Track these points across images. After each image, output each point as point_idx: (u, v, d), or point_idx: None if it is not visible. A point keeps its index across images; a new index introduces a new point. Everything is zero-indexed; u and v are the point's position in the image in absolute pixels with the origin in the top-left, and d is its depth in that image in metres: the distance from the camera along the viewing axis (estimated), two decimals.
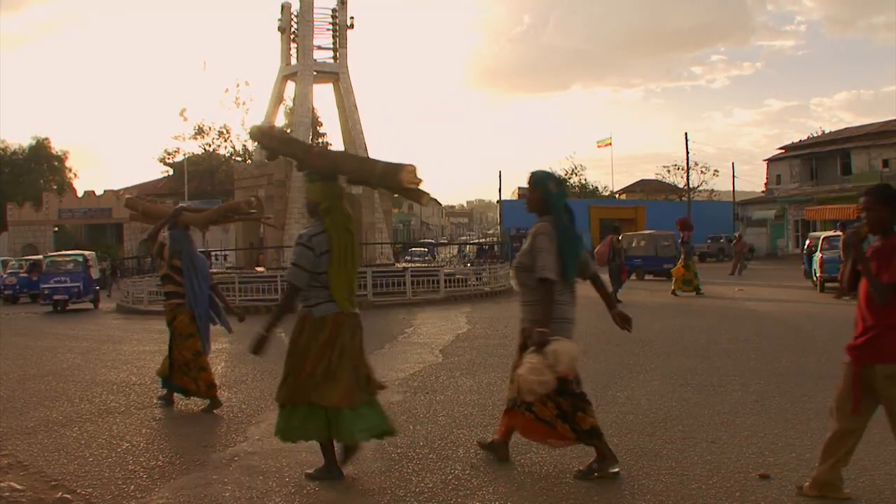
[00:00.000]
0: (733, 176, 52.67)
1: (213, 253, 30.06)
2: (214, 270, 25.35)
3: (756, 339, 10.60)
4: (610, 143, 60.00)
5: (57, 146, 57.99)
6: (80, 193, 47.61)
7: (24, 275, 25.95)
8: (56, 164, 56.28)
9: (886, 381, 3.85)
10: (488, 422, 6.02)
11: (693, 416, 6.08)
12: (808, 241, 25.69)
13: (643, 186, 67.45)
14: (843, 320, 12.92)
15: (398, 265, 24.90)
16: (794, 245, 41.51)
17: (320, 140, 50.61)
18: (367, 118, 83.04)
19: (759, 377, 7.59)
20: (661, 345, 10.18)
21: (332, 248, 4.58)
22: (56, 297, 20.74)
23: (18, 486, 4.66)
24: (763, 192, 51.48)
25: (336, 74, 24.12)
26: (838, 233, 22.15)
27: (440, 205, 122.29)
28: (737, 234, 35.45)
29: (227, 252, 31.55)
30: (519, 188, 69.03)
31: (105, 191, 47.11)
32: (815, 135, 54.03)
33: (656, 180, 65.14)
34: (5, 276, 26.81)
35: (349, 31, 24.17)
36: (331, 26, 24.02)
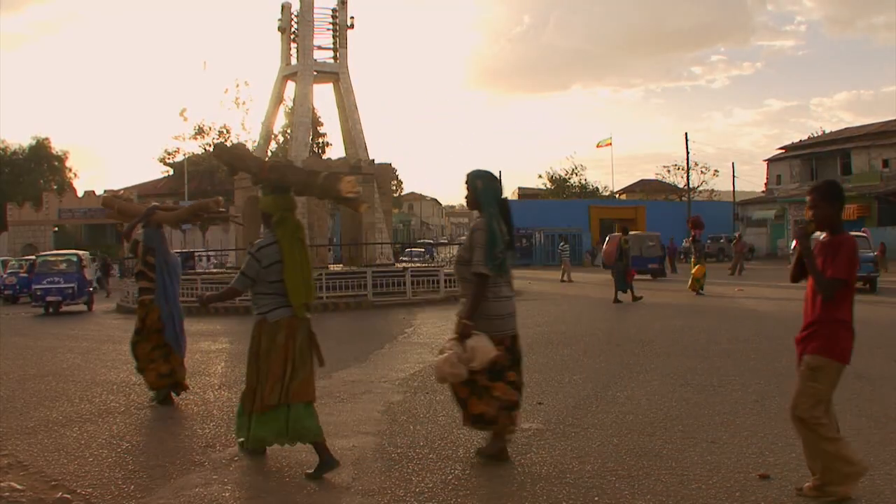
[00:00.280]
0: (733, 176, 52.74)
1: (196, 254, 30.05)
2: (214, 271, 25.39)
3: (756, 339, 10.60)
4: (610, 144, 60.00)
5: (57, 146, 58.06)
6: (80, 193, 47.63)
7: (24, 275, 25.90)
8: (56, 164, 56.31)
9: (808, 371, 4.00)
10: None
11: (693, 416, 6.08)
12: (794, 242, 25.79)
13: (643, 186, 67.48)
14: None
15: (396, 265, 24.90)
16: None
17: (320, 140, 50.67)
18: (367, 118, 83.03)
19: (759, 377, 7.59)
20: (661, 345, 10.18)
21: (284, 257, 4.87)
22: (49, 299, 19.77)
23: (18, 486, 4.66)
24: (763, 192, 51.50)
25: (336, 74, 24.12)
26: None
27: (440, 205, 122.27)
28: (737, 234, 35.48)
29: (210, 253, 31.47)
30: (519, 188, 69.17)
31: (105, 191, 47.03)
32: (816, 135, 54.08)
33: (656, 180, 65.16)
34: (5, 276, 26.82)
35: (349, 31, 24.17)
36: (331, 26, 24.02)
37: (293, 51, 23.99)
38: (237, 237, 25.44)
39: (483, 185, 4.91)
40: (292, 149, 24.14)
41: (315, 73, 23.91)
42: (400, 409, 6.56)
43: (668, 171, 60.68)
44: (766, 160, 51.10)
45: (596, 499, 4.20)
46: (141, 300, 7.32)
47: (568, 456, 4.98)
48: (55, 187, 51.51)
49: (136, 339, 7.25)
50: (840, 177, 43.18)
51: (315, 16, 23.81)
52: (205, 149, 52.90)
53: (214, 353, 10.80)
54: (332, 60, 24.18)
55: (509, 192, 65.85)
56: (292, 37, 23.92)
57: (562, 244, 30.30)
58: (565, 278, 26.60)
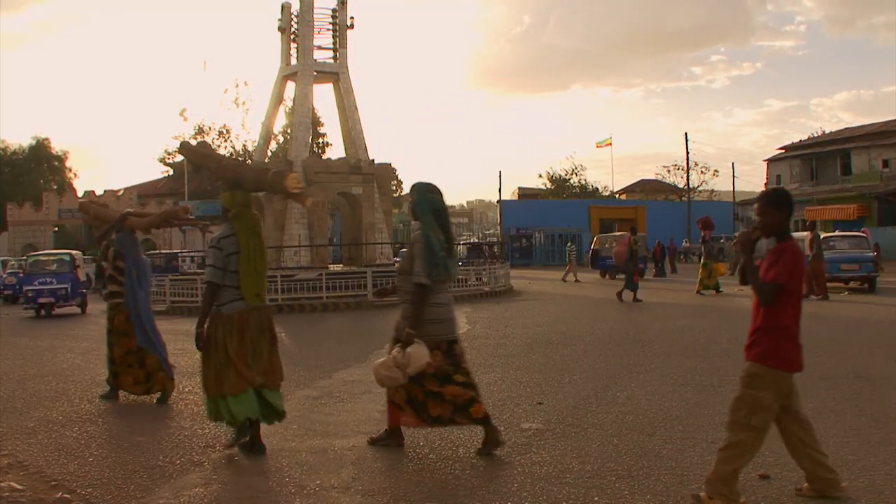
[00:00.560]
0: (733, 176, 52.73)
1: (180, 255, 29.95)
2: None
3: None
4: (610, 144, 60.00)
5: (57, 146, 58.07)
6: (80, 193, 47.61)
7: (24, 275, 25.85)
8: (56, 164, 56.30)
9: (745, 378, 3.99)
10: None
11: (693, 416, 6.08)
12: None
13: (643, 186, 67.46)
14: (843, 320, 12.96)
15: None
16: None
17: (320, 140, 50.67)
18: (367, 118, 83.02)
19: None
20: (661, 345, 10.18)
21: (240, 249, 5.16)
22: (41, 300, 18.63)
23: (18, 486, 4.67)
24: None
25: (336, 74, 24.13)
26: (839, 233, 22.23)
27: None
28: (736, 235, 35.48)
29: (193, 253, 31.31)
30: (519, 188, 69.16)
31: (105, 191, 47.10)
32: (815, 135, 54.06)
33: (656, 180, 65.14)
34: (5, 276, 26.78)
35: (349, 31, 24.18)
36: (331, 26, 24.03)
37: (293, 51, 24.00)
38: None
39: (418, 198, 5.15)
40: (292, 149, 24.15)
41: (315, 73, 23.92)
42: None
43: (668, 171, 60.66)
44: (766, 160, 51.11)
45: (596, 499, 4.20)
46: (110, 303, 7.56)
47: (568, 456, 4.99)
48: (55, 187, 51.50)
49: (110, 340, 7.50)
50: (840, 177, 43.24)
51: (315, 16, 23.82)
52: None
53: None
54: (332, 60, 24.18)
55: (509, 192, 65.86)
56: (292, 37, 23.94)
57: (569, 244, 30.32)
58: (568, 278, 26.60)
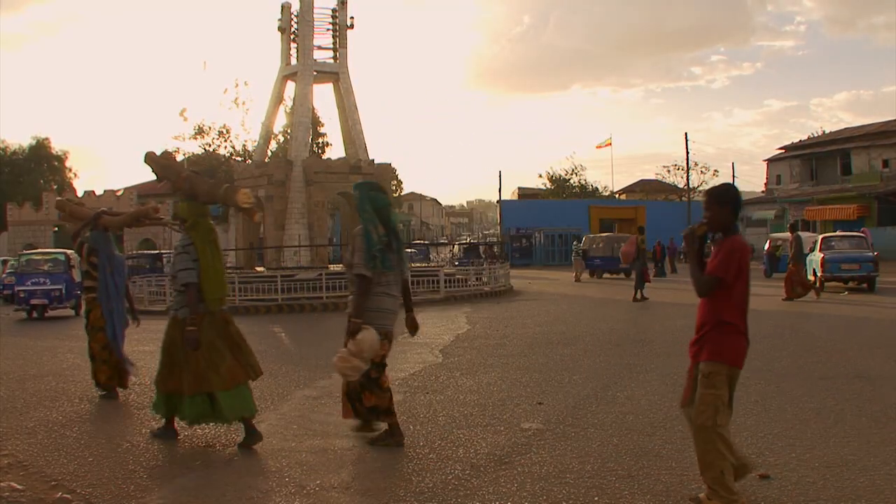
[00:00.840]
0: (733, 176, 52.73)
1: (164, 255, 29.88)
2: None
3: (756, 339, 10.56)
4: (610, 144, 59.98)
5: (57, 146, 58.06)
6: (80, 193, 47.58)
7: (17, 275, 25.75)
8: (56, 164, 56.27)
9: (702, 379, 3.99)
10: (488, 422, 6.03)
11: None
12: (768, 243, 26.04)
13: (643, 186, 67.44)
14: (843, 320, 12.96)
15: None
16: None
17: (320, 140, 50.62)
18: (367, 118, 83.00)
19: (759, 377, 7.58)
20: (661, 345, 10.18)
21: (199, 257, 5.46)
22: (34, 302, 17.67)
23: (18, 486, 4.66)
24: (763, 192, 51.49)
25: (336, 74, 24.13)
26: (839, 233, 22.23)
27: (440, 205, 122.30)
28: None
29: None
30: (519, 188, 69.15)
31: (105, 191, 47.12)
32: (815, 135, 54.04)
33: (656, 180, 65.13)
34: (4, 276, 26.77)
35: (349, 31, 24.18)
36: (331, 26, 24.03)
37: (293, 51, 24.00)
38: (237, 237, 25.46)
39: (361, 195, 5.41)
40: (292, 149, 24.15)
41: (315, 73, 23.92)
42: (400, 409, 6.54)
43: (668, 171, 60.65)
44: (765, 160, 51.11)
45: (596, 499, 4.20)
46: (86, 298, 7.84)
47: (568, 456, 4.99)
48: (55, 187, 51.47)
49: (89, 336, 7.73)
50: (840, 177, 43.22)
51: (315, 16, 23.82)
52: (205, 149, 52.86)
53: None
54: (331, 60, 24.18)
55: (509, 192, 65.87)
56: (292, 37, 23.93)
57: (575, 244, 30.40)
58: (582, 277, 26.79)
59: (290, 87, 24.86)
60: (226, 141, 53.16)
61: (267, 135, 25.84)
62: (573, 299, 19.32)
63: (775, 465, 4.68)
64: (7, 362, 10.31)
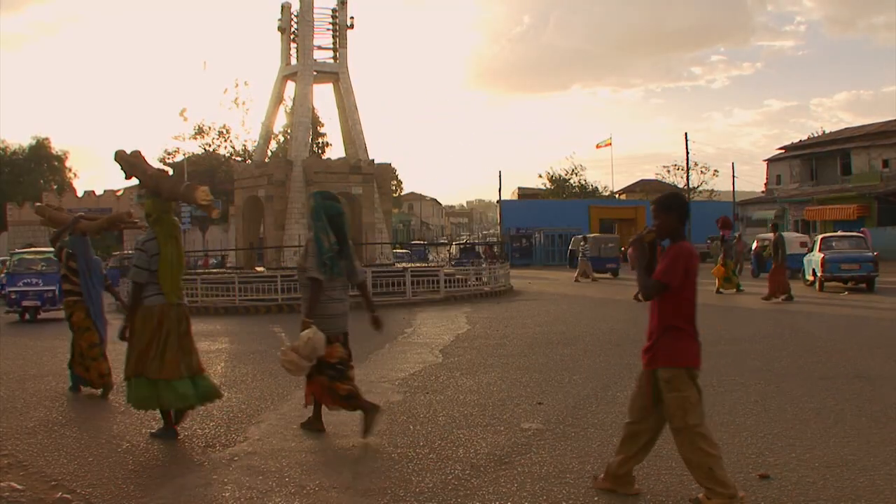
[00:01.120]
0: (733, 176, 52.65)
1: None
2: (214, 270, 25.37)
3: (756, 339, 10.60)
4: (610, 144, 60.00)
5: (57, 146, 58.11)
6: (80, 193, 47.61)
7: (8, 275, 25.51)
8: (56, 164, 56.32)
9: (664, 385, 4.06)
10: (488, 422, 6.03)
11: None
12: (755, 243, 26.16)
13: (643, 186, 67.44)
14: (843, 320, 12.96)
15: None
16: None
17: (320, 140, 50.65)
18: (367, 118, 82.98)
19: (759, 377, 7.58)
20: None
21: (160, 251, 5.75)
22: (25, 304, 16.75)
23: (18, 486, 4.66)
24: (763, 192, 51.48)
25: (336, 74, 24.12)
26: (839, 233, 22.25)
27: (440, 205, 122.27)
28: (737, 235, 35.49)
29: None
30: (519, 188, 69.16)
31: (105, 191, 47.12)
32: (815, 135, 54.03)
33: (656, 180, 65.13)
34: (2, 276, 26.72)
35: (349, 31, 24.16)
36: (331, 26, 24.01)
37: (293, 51, 23.97)
38: (237, 237, 25.47)
39: (315, 204, 5.74)
40: (292, 149, 24.15)
41: (315, 73, 23.91)
42: (400, 409, 6.56)
43: (668, 171, 60.71)
44: (765, 160, 51.07)
45: (596, 499, 4.20)
46: (66, 301, 8.04)
47: (568, 456, 4.99)
48: (55, 187, 51.51)
49: (73, 336, 7.92)
50: (840, 177, 43.21)
51: (315, 16, 23.80)
52: (205, 149, 52.91)
53: (214, 353, 10.79)
54: (331, 60, 24.17)
55: (509, 192, 65.84)
56: (292, 37, 23.92)
57: (582, 243, 30.34)
58: (589, 278, 26.80)
59: (290, 87, 24.85)
60: (226, 141, 53.31)
61: (267, 135, 25.83)
62: (573, 299, 19.32)
63: (775, 465, 4.68)
64: (7, 362, 10.31)
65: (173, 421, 5.88)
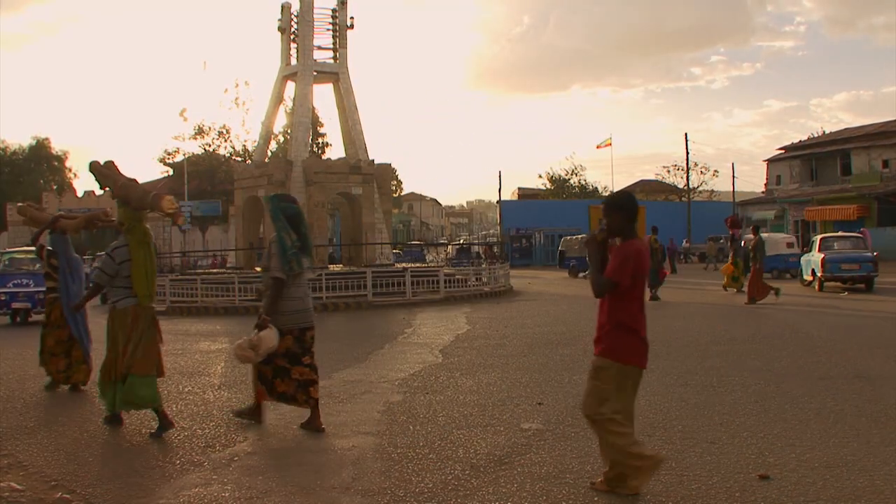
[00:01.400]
0: (733, 176, 52.64)
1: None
2: (214, 270, 25.36)
3: (756, 339, 10.60)
4: (610, 144, 59.94)
5: (57, 146, 58.14)
6: (79, 193, 47.61)
7: None
8: (56, 164, 56.33)
9: (592, 370, 4.29)
10: (488, 422, 6.03)
11: (693, 416, 6.08)
12: (742, 242, 26.34)
13: (643, 187, 67.40)
14: (843, 320, 12.96)
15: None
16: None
17: (320, 140, 50.64)
18: (367, 118, 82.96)
19: (759, 377, 7.59)
20: (661, 345, 10.17)
21: (132, 257, 6.05)
22: (15, 306, 15.99)
23: (18, 486, 4.67)
24: (763, 192, 51.47)
25: (336, 74, 24.11)
26: (839, 233, 22.26)
27: (440, 205, 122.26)
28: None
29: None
30: (519, 188, 69.15)
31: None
32: (815, 135, 54.02)
33: (656, 181, 65.13)
34: None
35: (349, 32, 24.16)
36: (331, 26, 24.01)
37: (293, 51, 23.97)
38: (237, 237, 25.46)
39: (273, 206, 6.02)
40: (292, 149, 24.14)
41: (315, 73, 23.90)
42: (400, 410, 6.57)
43: (668, 171, 60.67)
44: (765, 160, 51.05)
45: (596, 499, 4.20)
46: (47, 298, 8.28)
47: (568, 456, 4.99)
48: (55, 187, 51.52)
49: (44, 332, 8.10)
50: (840, 177, 43.21)
51: (315, 16, 23.79)
52: (205, 149, 52.89)
53: (214, 353, 10.80)
54: (331, 61, 24.17)
55: (509, 192, 65.84)
56: (292, 37, 23.91)
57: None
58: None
59: (290, 87, 24.84)
60: (226, 141, 53.28)
61: (267, 135, 25.83)
62: (573, 299, 19.31)
63: (775, 465, 4.68)
64: (7, 362, 10.32)
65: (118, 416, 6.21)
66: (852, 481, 4.34)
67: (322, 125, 49.26)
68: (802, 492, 4.20)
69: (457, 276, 21.57)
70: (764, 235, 21.38)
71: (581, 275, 29.44)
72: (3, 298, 16.06)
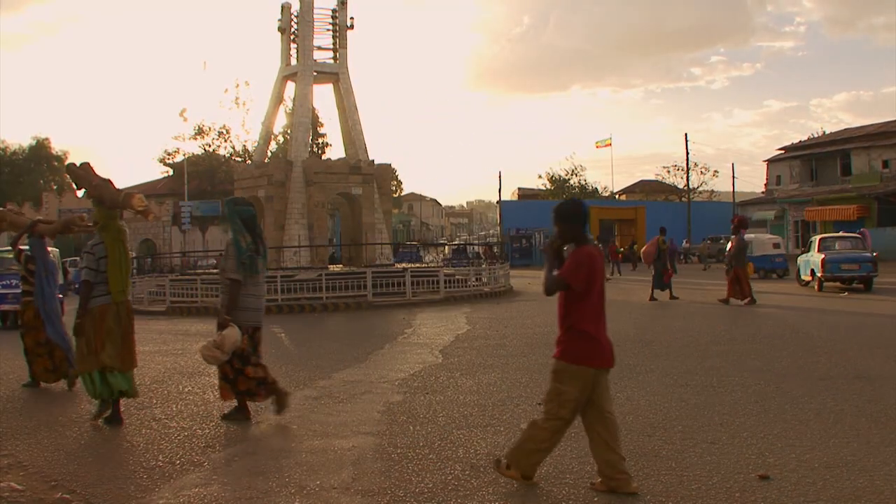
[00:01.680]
0: (733, 176, 52.66)
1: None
2: (214, 271, 25.33)
3: (756, 339, 10.60)
4: (610, 144, 59.99)
5: (57, 146, 58.20)
6: (80, 193, 47.52)
7: None
8: (56, 164, 56.34)
9: (552, 374, 4.40)
10: (488, 422, 6.03)
11: (693, 416, 6.08)
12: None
13: (643, 187, 67.45)
14: (843, 320, 12.96)
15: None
16: (793, 246, 41.55)
17: (320, 140, 50.63)
18: (367, 118, 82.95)
19: (759, 377, 7.59)
20: (661, 345, 10.18)
21: (108, 254, 6.26)
22: (5, 307, 15.12)
23: (18, 486, 4.66)
24: (763, 192, 51.49)
25: (336, 75, 24.12)
26: (841, 233, 22.28)
27: (440, 205, 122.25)
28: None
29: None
30: (519, 188, 69.14)
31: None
32: (815, 135, 54.02)
33: (656, 181, 65.12)
34: None
35: (349, 32, 24.17)
36: (331, 27, 24.02)
37: (293, 51, 23.99)
38: None
39: (229, 210, 6.27)
40: (292, 149, 24.15)
41: (315, 73, 23.91)
42: (400, 410, 6.56)
43: (668, 171, 60.65)
44: (765, 161, 51.08)
45: (596, 499, 4.20)
46: (23, 300, 8.47)
47: (568, 456, 4.99)
48: (55, 187, 51.54)
49: (21, 332, 8.44)
50: (840, 177, 43.21)
51: (315, 16, 23.81)
52: (205, 149, 52.87)
53: None
54: (331, 61, 24.18)
55: (509, 192, 65.86)
56: (292, 37, 23.92)
57: (597, 243, 30.49)
58: (608, 277, 26.93)
59: (290, 87, 24.85)
60: (226, 141, 53.23)
61: (267, 135, 25.83)
62: None
63: (775, 465, 4.68)
64: (7, 362, 10.31)
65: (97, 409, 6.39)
66: (852, 481, 4.34)
67: (322, 125, 49.25)
68: (802, 492, 4.20)
69: (457, 277, 21.57)
70: (750, 236, 21.41)
71: None
72: None
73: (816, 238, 20.84)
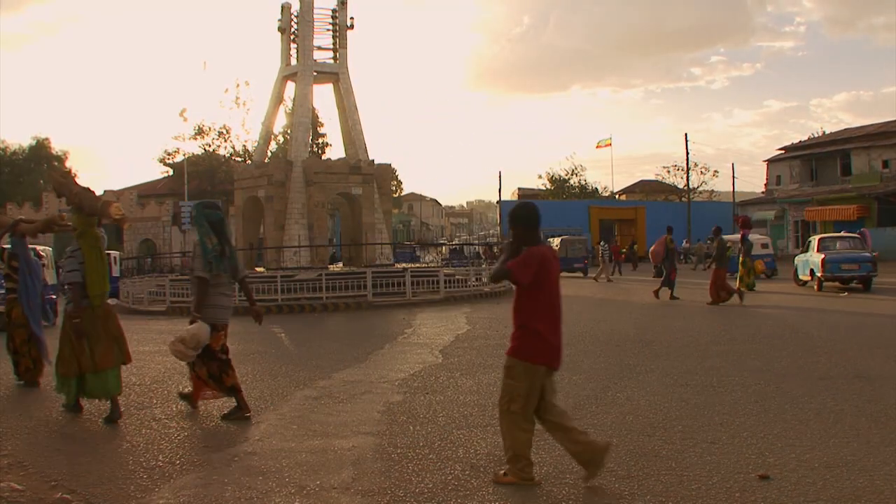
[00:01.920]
0: (733, 176, 52.69)
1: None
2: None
3: (756, 339, 10.60)
4: (610, 144, 59.94)
5: (57, 146, 58.17)
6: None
7: None
8: (56, 164, 56.27)
9: (504, 370, 4.54)
10: (488, 422, 6.02)
11: (693, 416, 6.08)
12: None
13: (643, 187, 67.41)
14: (843, 320, 12.96)
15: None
16: (793, 246, 41.55)
17: (320, 140, 50.61)
18: (367, 118, 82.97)
19: (759, 377, 7.59)
20: (661, 345, 10.18)
21: (85, 260, 6.45)
22: None
23: (18, 486, 4.66)
24: (763, 192, 51.48)
25: (336, 75, 24.12)
26: (842, 233, 22.29)
27: (440, 205, 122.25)
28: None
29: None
30: (519, 189, 69.08)
31: (105, 191, 47.05)
32: (815, 135, 54.00)
33: (656, 181, 65.08)
34: None
35: (349, 32, 24.17)
36: (331, 27, 24.02)
37: (293, 51, 23.98)
38: (236, 237, 25.45)
39: (196, 213, 6.54)
40: (292, 149, 24.15)
41: (315, 73, 23.91)
42: (400, 410, 6.57)
43: (668, 171, 60.61)
44: (765, 161, 51.06)
45: (596, 499, 4.20)
46: (7, 298, 8.61)
47: (567, 456, 4.97)
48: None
49: (9, 331, 8.44)
50: (840, 177, 43.20)
51: (315, 16, 23.80)
52: (205, 149, 52.83)
53: None
54: (331, 61, 24.17)
55: (509, 192, 65.81)
56: (292, 37, 23.92)
57: (601, 243, 30.96)
58: (609, 278, 27.14)
59: (290, 87, 24.85)
60: (226, 141, 53.16)
61: (267, 135, 25.83)
62: (573, 299, 19.30)
63: (775, 465, 4.68)
64: (7, 362, 10.31)
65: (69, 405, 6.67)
66: (852, 481, 4.34)
67: (322, 125, 49.23)
68: (802, 492, 4.20)
69: (457, 277, 21.56)
70: (734, 237, 21.42)
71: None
72: None
73: (815, 238, 20.87)
